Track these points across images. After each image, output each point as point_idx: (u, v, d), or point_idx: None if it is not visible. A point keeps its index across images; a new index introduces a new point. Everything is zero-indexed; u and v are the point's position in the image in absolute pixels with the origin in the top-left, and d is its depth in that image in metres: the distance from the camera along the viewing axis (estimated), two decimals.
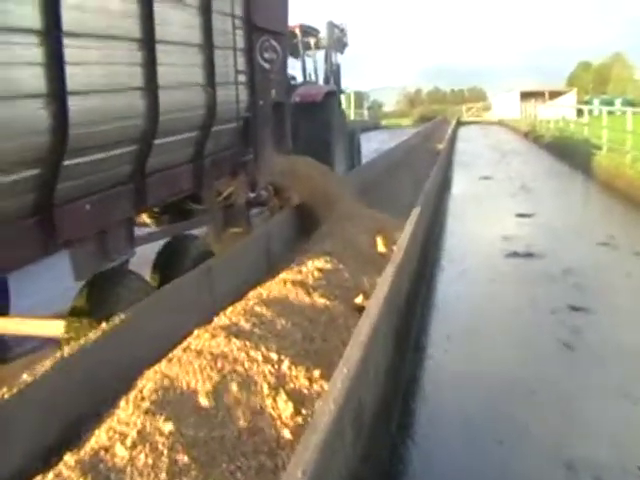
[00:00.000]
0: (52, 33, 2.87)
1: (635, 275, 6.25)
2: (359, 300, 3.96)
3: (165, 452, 2.22)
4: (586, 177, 13.85)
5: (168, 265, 4.62)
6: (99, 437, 2.35)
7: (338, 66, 12.40)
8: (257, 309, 3.49)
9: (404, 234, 4.85)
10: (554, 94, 43.83)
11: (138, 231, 4.32)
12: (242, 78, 5.39)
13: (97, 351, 2.72)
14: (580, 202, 11.99)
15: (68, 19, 2.95)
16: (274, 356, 2.90)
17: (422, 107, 64.59)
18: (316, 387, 2.74)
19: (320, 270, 4.35)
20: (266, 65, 6.04)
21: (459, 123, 38.03)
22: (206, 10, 4.61)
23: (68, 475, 2.10)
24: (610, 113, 17.06)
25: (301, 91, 9.65)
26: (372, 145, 21.17)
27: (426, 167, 12.06)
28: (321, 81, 11.73)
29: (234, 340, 3.01)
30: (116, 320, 2.91)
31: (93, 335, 2.75)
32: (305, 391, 2.71)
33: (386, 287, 3.36)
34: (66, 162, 3.06)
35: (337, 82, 12.15)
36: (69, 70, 2.96)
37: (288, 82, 8.07)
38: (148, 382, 2.69)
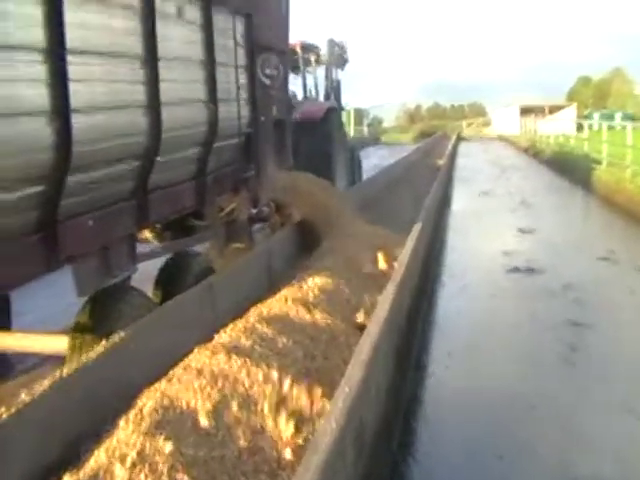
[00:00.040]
0: (56, 51, 2.90)
1: (636, 290, 6.25)
2: (360, 318, 3.95)
3: (165, 472, 2.20)
4: (586, 192, 13.88)
5: (170, 281, 4.61)
6: (98, 457, 2.32)
7: (338, 82, 12.50)
8: (258, 327, 3.47)
9: (405, 251, 4.85)
10: (554, 109, 44.12)
11: (140, 247, 4.33)
12: (243, 95, 5.42)
13: (97, 370, 2.70)
14: (580, 217, 12.02)
15: (71, 37, 2.98)
16: (275, 375, 2.88)
17: (422, 123, 64.85)
18: (317, 406, 2.72)
19: (321, 287, 4.35)
20: (267, 82, 6.10)
21: (459, 139, 38.16)
22: (208, 27, 4.65)
23: None
24: (610, 128, 17.14)
25: (302, 108, 9.71)
26: (372, 161, 21.24)
27: (426, 183, 12.09)
28: (321, 97, 11.81)
29: (235, 358, 3.00)
30: (116, 338, 2.89)
31: (93, 354, 2.74)
32: (306, 410, 2.69)
33: (387, 305, 3.35)
34: (69, 179, 3.07)
35: (337, 98, 12.23)
36: (73, 87, 2.98)
37: (289, 99, 8.12)
38: (148, 401, 2.68)
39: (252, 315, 3.80)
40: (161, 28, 3.87)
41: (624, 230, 9.77)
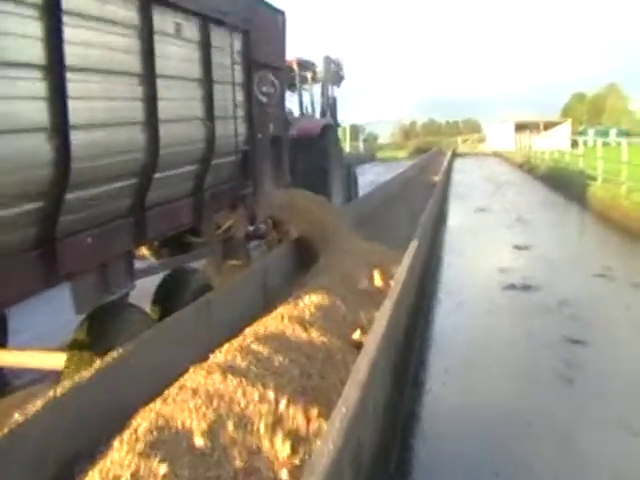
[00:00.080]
0: (55, 68, 2.92)
1: (632, 307, 6.25)
2: (356, 336, 3.94)
3: None
4: (581, 208, 13.93)
5: (168, 298, 4.61)
6: (92, 478, 2.29)
7: (334, 99, 12.57)
8: (254, 346, 3.45)
9: (401, 268, 4.85)
10: (549, 125, 44.42)
11: (138, 264, 4.34)
12: (241, 112, 5.45)
13: (91, 390, 2.68)
14: (576, 233, 12.05)
15: (70, 54, 3.01)
16: (271, 394, 2.86)
17: (417, 139, 65.23)
18: (314, 426, 2.70)
19: (317, 305, 4.33)
20: (264, 99, 6.13)
21: (454, 155, 38.34)
22: (205, 45, 4.69)
23: None
24: (605, 144, 17.25)
25: (298, 124, 9.75)
26: (368, 177, 21.33)
27: (422, 200, 12.13)
28: (318, 114, 11.86)
29: (230, 378, 2.97)
30: (110, 357, 2.87)
31: (86, 373, 2.72)
32: (303, 430, 2.67)
33: (384, 323, 3.34)
34: (68, 195, 3.09)
35: (334, 115, 12.30)
36: (71, 104, 3.01)
37: (285, 115, 8.16)
38: (143, 421, 2.65)
39: (248, 334, 3.78)
40: (159, 46, 3.91)
41: (620, 246, 9.80)
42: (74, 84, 3.04)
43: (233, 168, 5.42)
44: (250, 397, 2.84)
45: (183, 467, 2.33)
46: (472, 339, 5.41)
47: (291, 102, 10.90)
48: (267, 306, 4.63)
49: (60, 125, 2.97)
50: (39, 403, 2.46)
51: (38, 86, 2.87)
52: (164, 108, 3.95)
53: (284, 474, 2.38)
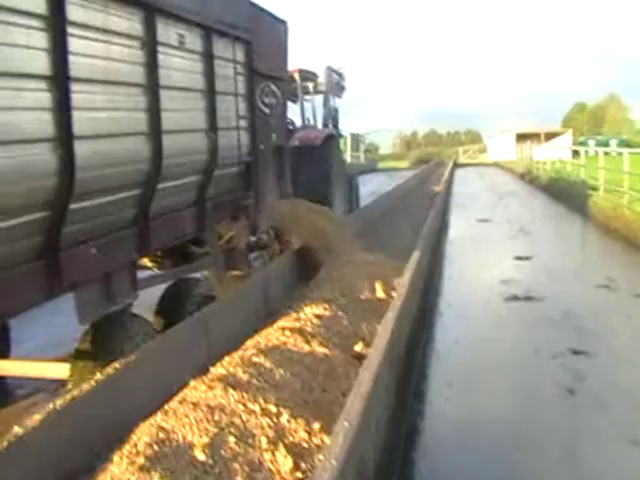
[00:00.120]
0: (59, 79, 2.94)
1: (635, 317, 6.21)
2: (358, 348, 3.91)
3: None
4: (583, 219, 13.90)
5: (171, 308, 4.62)
6: None
7: (336, 110, 12.57)
8: (255, 359, 3.43)
9: (403, 280, 4.82)
10: (550, 135, 44.40)
11: (141, 274, 4.34)
12: (243, 123, 5.46)
13: (90, 403, 2.66)
14: (578, 244, 12.01)
15: (75, 65, 3.03)
16: (273, 408, 2.83)
17: (419, 150, 65.14)
18: (316, 440, 2.67)
19: (319, 317, 4.31)
20: (266, 110, 6.14)
21: (456, 165, 38.37)
22: (208, 56, 4.71)
23: None
24: (606, 154, 17.24)
25: (300, 135, 9.75)
26: (369, 188, 21.30)
27: (424, 210, 12.11)
28: (320, 125, 11.87)
29: (231, 391, 2.95)
30: (110, 370, 2.85)
31: (86, 386, 2.70)
32: (304, 444, 2.64)
33: (386, 337, 3.31)
34: (72, 206, 3.11)
35: (335, 126, 12.30)
36: (76, 115, 3.03)
37: (287, 126, 8.17)
38: (143, 435, 2.63)
39: (249, 347, 3.76)
40: (163, 57, 3.93)
41: (622, 257, 9.76)
42: (78, 95, 3.07)
43: (235, 179, 5.42)
44: (251, 410, 2.82)
45: None
46: (475, 352, 5.37)
47: (292, 113, 10.92)
48: (268, 318, 4.61)
49: (65, 136, 2.99)
50: (38, 416, 2.44)
51: (43, 97, 2.89)
52: (167, 119, 3.97)
53: None
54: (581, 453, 3.58)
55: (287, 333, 3.93)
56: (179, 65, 4.28)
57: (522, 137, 43.93)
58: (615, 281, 7.58)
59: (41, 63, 2.87)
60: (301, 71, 10.96)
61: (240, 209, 5.57)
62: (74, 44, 3.04)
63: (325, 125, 11.89)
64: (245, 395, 2.93)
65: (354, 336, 4.15)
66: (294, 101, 10.97)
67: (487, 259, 9.90)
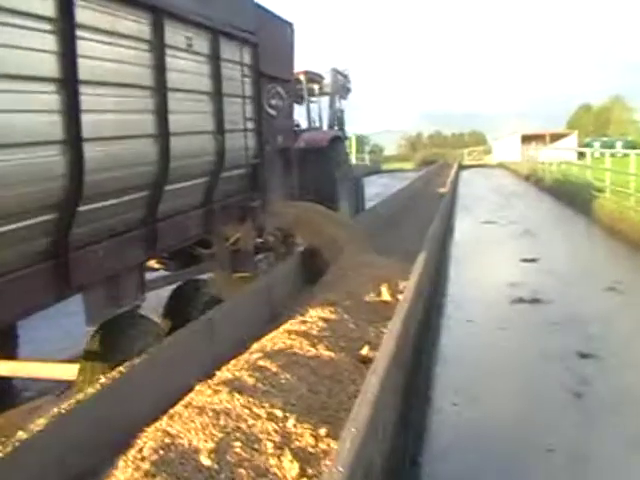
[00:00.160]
0: (68, 81, 2.94)
1: None
2: (364, 351, 3.88)
3: None
4: (590, 221, 13.82)
5: (179, 310, 4.63)
6: None
7: (342, 111, 12.57)
8: (261, 363, 3.41)
9: (409, 283, 4.80)
10: (555, 137, 44.19)
11: (148, 276, 4.36)
12: (250, 125, 5.47)
13: (95, 407, 2.64)
14: (585, 246, 11.93)
15: (84, 68, 3.04)
16: (279, 413, 2.81)
17: (424, 151, 64.91)
18: (322, 445, 2.65)
19: (325, 320, 4.29)
20: (273, 112, 6.14)
21: (460, 167, 38.26)
22: (216, 58, 4.72)
23: None
24: (612, 155, 17.16)
25: (307, 136, 9.74)
26: (374, 190, 21.27)
27: (429, 212, 12.07)
28: (325, 126, 11.86)
29: (237, 396, 2.93)
30: (115, 375, 2.84)
31: (91, 390, 2.68)
32: (311, 450, 2.62)
33: (393, 341, 3.29)
34: (81, 208, 3.13)
35: (341, 127, 12.29)
36: (85, 117, 3.04)
37: (293, 128, 8.16)
38: (148, 440, 2.61)
39: (254, 350, 3.75)
40: (171, 59, 3.95)
41: (629, 259, 9.69)
42: (87, 97, 3.09)
43: (242, 180, 5.43)
44: (257, 415, 2.80)
45: None
46: (482, 356, 5.33)
47: (299, 115, 10.91)
48: (274, 321, 4.60)
49: (74, 138, 3.01)
50: (43, 420, 2.43)
51: (52, 99, 2.91)
52: (175, 121, 3.99)
53: None
54: (590, 456, 3.55)
55: (293, 336, 3.91)
56: (187, 67, 4.29)
57: (527, 138, 43.79)
58: (622, 284, 7.53)
59: (51, 66, 2.89)
60: (307, 73, 10.96)
61: (247, 211, 5.58)
62: (83, 47, 3.05)
63: (331, 127, 11.88)
64: (251, 399, 2.91)
65: (360, 339, 4.12)
66: (300, 103, 10.97)
67: (493, 261, 9.86)
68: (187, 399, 3.02)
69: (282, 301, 5.22)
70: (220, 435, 2.63)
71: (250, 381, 3.15)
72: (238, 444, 2.58)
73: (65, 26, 2.93)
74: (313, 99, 11.71)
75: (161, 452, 2.51)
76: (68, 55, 2.95)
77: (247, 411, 2.82)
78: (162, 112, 3.87)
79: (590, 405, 4.20)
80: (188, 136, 4.29)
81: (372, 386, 2.70)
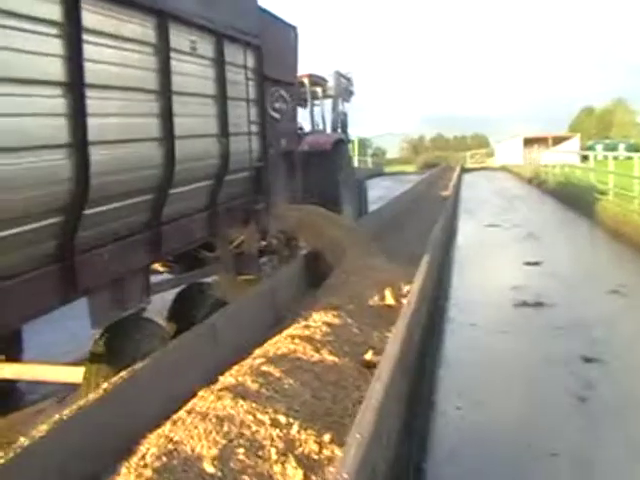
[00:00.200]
0: (75, 85, 2.95)
1: None
2: (368, 356, 3.86)
3: None
4: (593, 223, 13.78)
5: (184, 313, 4.64)
6: None
7: (345, 115, 12.56)
8: (264, 368, 3.39)
9: (413, 287, 4.78)
10: (557, 140, 44.10)
11: (153, 279, 4.37)
12: (254, 128, 5.48)
13: (97, 413, 2.63)
14: (588, 249, 11.89)
15: (90, 71, 3.05)
16: (282, 419, 2.79)
17: (426, 154, 64.81)
18: (326, 452, 2.63)
19: (328, 324, 4.27)
20: (276, 115, 6.14)
21: (463, 170, 38.22)
22: (220, 62, 4.73)
23: None
24: (615, 158, 17.13)
25: (310, 139, 9.73)
26: (377, 192, 21.22)
27: (432, 215, 12.06)
28: (329, 129, 11.86)
29: (240, 402, 2.91)
30: (118, 380, 2.83)
31: (93, 396, 2.67)
32: (315, 456, 2.60)
33: (397, 347, 3.27)
34: (87, 211, 3.15)
35: (344, 130, 12.29)
36: (91, 121, 3.05)
37: (297, 131, 8.16)
38: (151, 447, 2.59)
39: (258, 355, 3.73)
40: (175, 63, 3.97)
41: (633, 263, 9.65)
42: (93, 101, 3.11)
43: (246, 183, 5.44)
44: (261, 421, 2.78)
45: None
46: (486, 360, 5.29)
47: (302, 117, 10.91)
48: (278, 325, 4.58)
49: (80, 141, 3.02)
50: (45, 426, 2.41)
51: (58, 103, 2.93)
52: (180, 124, 4.00)
53: None
54: (595, 462, 3.52)
55: (296, 341, 3.89)
56: (191, 71, 4.30)
57: (529, 141, 43.77)
58: (626, 287, 7.49)
59: (57, 69, 2.90)
60: (311, 76, 10.97)
61: (251, 214, 5.59)
62: (89, 50, 3.07)
63: (334, 130, 11.88)
64: (254, 405, 2.89)
65: (364, 344, 4.11)
66: (303, 106, 10.97)
67: (496, 264, 9.83)
68: (190, 405, 3.01)
69: (286, 304, 5.21)
70: (223, 441, 2.61)
71: (253, 387, 3.13)
72: (242, 450, 2.56)
73: (71, 30, 2.95)
74: (316, 102, 11.71)
75: (164, 459, 2.49)
76: (74, 59, 2.97)
77: (251, 417, 2.80)
78: (167, 115, 3.88)
79: (594, 409, 4.17)
80: (193, 139, 4.29)
81: (377, 392, 2.68)
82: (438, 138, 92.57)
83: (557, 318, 6.31)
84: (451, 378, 4.87)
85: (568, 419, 4.05)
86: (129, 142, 3.51)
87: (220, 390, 3.09)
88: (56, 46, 2.88)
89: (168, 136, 3.89)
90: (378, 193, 21.03)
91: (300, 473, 2.45)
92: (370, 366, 3.67)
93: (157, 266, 4.89)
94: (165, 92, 3.86)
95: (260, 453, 2.57)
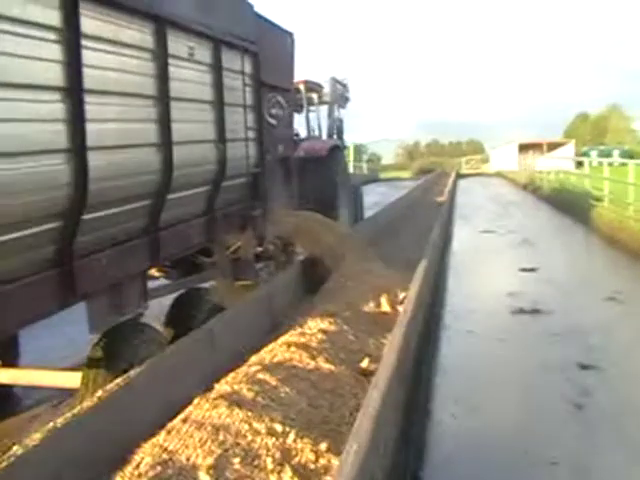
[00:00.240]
0: (73, 91, 2.95)
1: None
2: (364, 364, 3.85)
3: None
4: (588, 230, 13.81)
5: (181, 319, 4.64)
6: None
7: (341, 121, 12.58)
8: (260, 376, 3.37)
9: (409, 294, 4.77)
10: (552, 146, 44.29)
11: (150, 284, 4.38)
12: (251, 134, 5.49)
13: (91, 422, 2.60)
14: (584, 256, 11.92)
15: (88, 77, 3.05)
16: (279, 427, 2.77)
17: (421, 160, 64.86)
18: (323, 461, 2.61)
19: (324, 332, 4.25)
20: (273, 121, 6.14)
21: (458, 175, 38.31)
22: (217, 68, 4.74)
23: None
24: (610, 164, 17.19)
25: (306, 145, 9.73)
26: (372, 198, 21.23)
27: (428, 220, 12.08)
28: (324, 135, 11.87)
29: (236, 410, 2.89)
30: (113, 387, 2.80)
31: (87, 404, 2.64)
32: (311, 466, 2.58)
33: (394, 355, 3.25)
34: (86, 216, 3.15)
35: (340, 136, 12.30)
36: (89, 127, 3.06)
37: (293, 137, 8.16)
38: (145, 456, 2.57)
39: (254, 363, 3.71)
40: (173, 69, 3.98)
41: (629, 269, 9.67)
42: (92, 106, 3.11)
43: (243, 189, 5.45)
44: (257, 430, 2.76)
45: None
46: (482, 367, 5.29)
47: (298, 123, 10.91)
48: (274, 331, 4.56)
49: (78, 147, 3.02)
50: (39, 435, 2.39)
51: (57, 108, 2.93)
52: (178, 130, 4.02)
53: None
54: (592, 469, 3.51)
55: (292, 349, 3.87)
56: (189, 77, 4.31)
57: (524, 147, 43.92)
58: (622, 293, 7.51)
59: (56, 75, 2.90)
60: (307, 82, 10.99)
61: (247, 219, 5.60)
62: (88, 56, 3.08)
63: (330, 136, 11.89)
64: (250, 414, 2.87)
65: (360, 351, 4.09)
66: (299, 112, 10.98)
67: (492, 271, 9.84)
68: (185, 413, 2.98)
69: (283, 310, 5.19)
70: (219, 451, 2.59)
71: (249, 395, 3.10)
72: (237, 460, 2.54)
73: (70, 35, 2.95)
74: (312, 108, 11.72)
75: (158, 468, 2.47)
76: (73, 64, 2.97)
77: (246, 426, 2.78)
78: (165, 121, 3.90)
79: (591, 416, 4.17)
80: (190, 145, 4.31)
81: (374, 400, 2.67)
82: (433, 144, 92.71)
83: (553, 325, 6.32)
84: (448, 385, 4.86)
85: (565, 426, 4.04)
86: (127, 147, 3.52)
87: (215, 398, 3.07)
88: (55, 51, 2.89)
89: (166, 142, 3.90)
90: (374, 199, 21.04)
91: None
92: (366, 374, 3.65)
93: (154, 271, 4.88)
94: (163, 98, 3.87)
95: (256, 462, 2.54)
